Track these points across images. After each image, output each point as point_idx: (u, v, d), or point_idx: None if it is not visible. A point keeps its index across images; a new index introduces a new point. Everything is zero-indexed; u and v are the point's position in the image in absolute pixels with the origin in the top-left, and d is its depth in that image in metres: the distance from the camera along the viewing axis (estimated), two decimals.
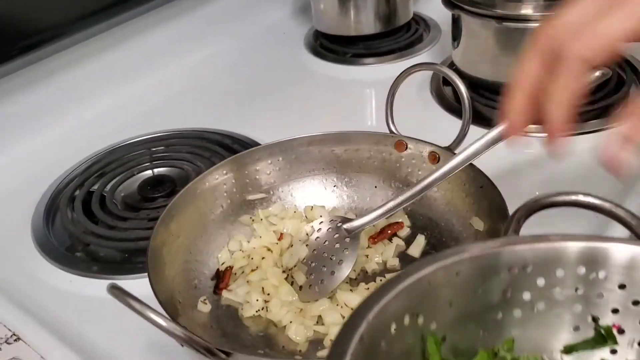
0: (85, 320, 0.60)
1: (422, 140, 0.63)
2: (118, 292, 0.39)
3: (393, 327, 0.36)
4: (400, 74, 0.62)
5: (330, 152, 0.66)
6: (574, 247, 0.38)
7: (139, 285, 0.55)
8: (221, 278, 0.60)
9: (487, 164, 0.57)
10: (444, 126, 0.82)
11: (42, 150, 0.87)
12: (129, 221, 0.71)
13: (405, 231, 0.64)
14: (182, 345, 0.44)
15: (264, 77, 1.03)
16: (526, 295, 0.40)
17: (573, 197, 0.53)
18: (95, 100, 0.95)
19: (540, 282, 0.39)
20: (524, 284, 0.40)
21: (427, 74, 0.93)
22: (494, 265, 0.39)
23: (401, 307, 0.36)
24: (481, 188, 0.57)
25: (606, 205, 0.50)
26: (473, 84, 0.84)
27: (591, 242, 0.38)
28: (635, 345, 0.39)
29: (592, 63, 0.42)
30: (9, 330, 0.58)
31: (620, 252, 0.38)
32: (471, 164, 0.55)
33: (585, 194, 0.52)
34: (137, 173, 0.79)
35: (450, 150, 0.61)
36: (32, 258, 0.69)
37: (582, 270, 0.39)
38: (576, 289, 0.39)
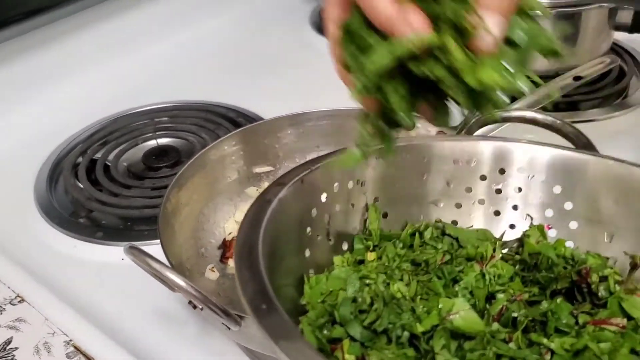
0: (90, 284, 0.61)
1: None
2: (137, 252, 0.39)
3: (336, 185, 0.42)
4: None
5: (338, 128, 0.66)
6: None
7: None
8: (227, 247, 0.60)
9: None
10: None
11: (43, 116, 0.86)
12: (133, 189, 0.71)
13: None
14: (195, 308, 0.44)
15: (268, 53, 1.03)
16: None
17: (520, 113, 0.59)
18: (99, 68, 0.94)
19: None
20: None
21: None
22: (439, 155, 0.46)
23: (347, 172, 0.43)
24: None
25: (557, 122, 0.57)
26: None
27: None
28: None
29: None
30: (13, 292, 0.58)
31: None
32: None
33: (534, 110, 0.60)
34: (141, 143, 0.79)
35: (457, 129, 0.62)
36: (36, 223, 0.69)
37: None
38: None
